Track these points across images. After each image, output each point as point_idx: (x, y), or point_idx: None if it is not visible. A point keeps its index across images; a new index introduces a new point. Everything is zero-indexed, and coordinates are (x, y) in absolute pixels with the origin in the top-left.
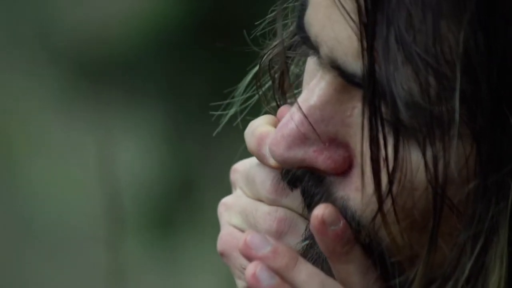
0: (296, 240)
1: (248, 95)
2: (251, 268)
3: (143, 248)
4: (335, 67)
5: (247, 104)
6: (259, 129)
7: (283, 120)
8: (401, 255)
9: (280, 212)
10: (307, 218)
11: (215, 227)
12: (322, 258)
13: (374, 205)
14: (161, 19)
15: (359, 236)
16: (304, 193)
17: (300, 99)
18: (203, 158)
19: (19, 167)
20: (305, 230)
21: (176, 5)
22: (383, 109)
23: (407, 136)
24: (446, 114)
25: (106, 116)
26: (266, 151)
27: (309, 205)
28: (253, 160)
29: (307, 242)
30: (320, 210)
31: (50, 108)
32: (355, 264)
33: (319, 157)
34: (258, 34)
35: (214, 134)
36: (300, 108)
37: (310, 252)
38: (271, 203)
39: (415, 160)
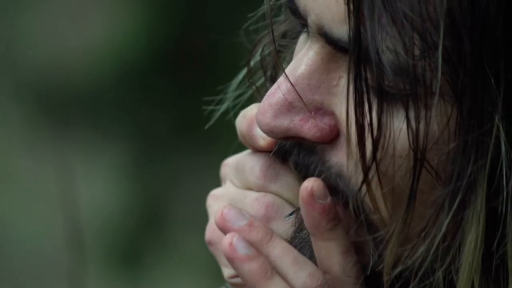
0: (283, 225)
1: (240, 91)
2: (228, 237)
3: (107, 284)
4: (322, 34)
5: (238, 100)
6: (251, 111)
7: (271, 90)
8: (383, 226)
9: (268, 197)
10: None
11: (181, 260)
12: (308, 244)
13: (360, 172)
14: (125, 52)
15: (348, 204)
16: (297, 166)
17: (287, 69)
18: (168, 192)
19: None
20: (294, 210)
21: (141, 38)
22: (368, 75)
23: (391, 102)
24: (429, 71)
25: (70, 149)
26: (256, 132)
27: (305, 177)
28: (243, 153)
29: (292, 216)
30: (310, 183)
31: (13, 141)
32: (337, 243)
33: (305, 125)
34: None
35: (206, 127)
36: (287, 77)
37: (297, 237)
38: (260, 189)
39: (398, 125)
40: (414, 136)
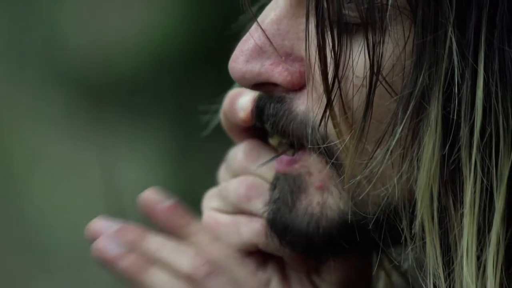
0: (263, 205)
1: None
2: (97, 242)
3: None
4: None
5: None
6: (234, 90)
7: (243, 38)
8: (349, 156)
9: (250, 179)
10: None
11: None
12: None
13: (323, 103)
14: (166, 40)
15: (315, 145)
16: (268, 118)
17: (259, 18)
18: (207, 179)
19: (23, 187)
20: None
21: (182, 26)
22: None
23: (350, 27)
24: None
25: (111, 136)
26: (237, 105)
27: (274, 123)
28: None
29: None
30: (145, 194)
31: (55, 128)
32: (200, 233)
33: (276, 69)
34: None
35: (204, 135)
36: (258, 24)
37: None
38: (244, 172)
39: (357, 49)
40: (372, 56)
